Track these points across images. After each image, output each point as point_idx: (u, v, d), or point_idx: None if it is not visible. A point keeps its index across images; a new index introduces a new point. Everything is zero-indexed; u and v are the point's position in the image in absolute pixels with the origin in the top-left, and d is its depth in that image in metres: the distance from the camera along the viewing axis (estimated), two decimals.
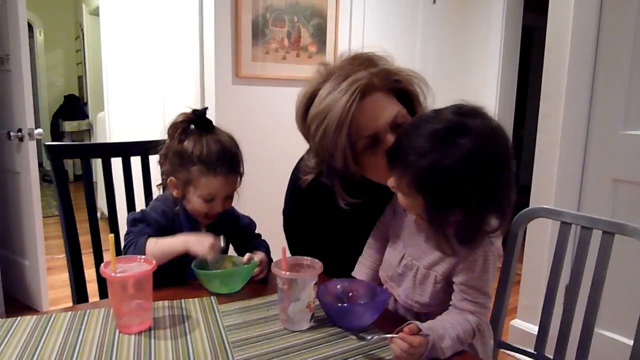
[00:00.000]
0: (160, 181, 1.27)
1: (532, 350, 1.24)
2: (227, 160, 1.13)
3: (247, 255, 1.15)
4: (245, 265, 1.13)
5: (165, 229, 1.17)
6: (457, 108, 0.88)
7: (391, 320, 1.00)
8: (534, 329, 2.20)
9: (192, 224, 1.20)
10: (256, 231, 1.33)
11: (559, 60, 2.13)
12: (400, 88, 1.02)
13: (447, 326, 0.89)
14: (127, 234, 1.15)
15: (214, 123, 1.22)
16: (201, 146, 1.13)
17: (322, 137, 0.97)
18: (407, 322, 0.87)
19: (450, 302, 0.96)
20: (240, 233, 1.29)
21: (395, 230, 1.08)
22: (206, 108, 1.18)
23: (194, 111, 1.17)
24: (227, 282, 1.11)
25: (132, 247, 1.10)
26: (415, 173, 0.85)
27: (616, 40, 2.01)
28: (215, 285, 1.11)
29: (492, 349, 1.18)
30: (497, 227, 0.90)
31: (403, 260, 1.03)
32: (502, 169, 0.86)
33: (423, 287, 1.00)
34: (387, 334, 0.87)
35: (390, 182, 0.93)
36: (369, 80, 0.97)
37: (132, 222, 1.16)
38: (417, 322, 0.86)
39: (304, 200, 1.21)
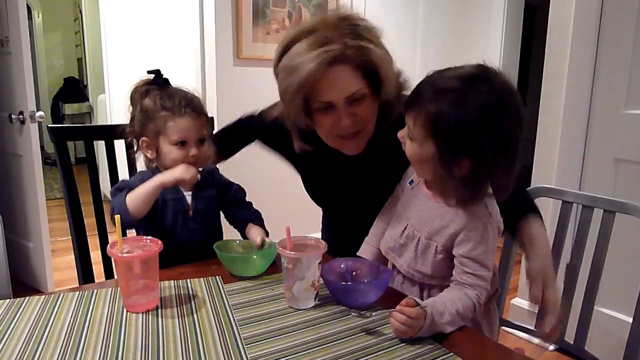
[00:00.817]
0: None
1: (532, 328, 1.26)
2: (189, 102, 1.19)
3: (259, 238, 1.17)
4: (268, 249, 1.14)
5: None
6: (480, 65, 0.91)
7: (394, 298, 1.01)
8: (535, 307, 2.23)
9: (174, 190, 1.20)
10: (256, 210, 1.32)
11: (561, 40, 2.12)
12: (370, 68, 1.04)
13: (447, 302, 0.90)
14: (111, 203, 1.16)
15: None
16: (162, 96, 1.19)
17: (284, 90, 1.05)
18: (406, 298, 0.88)
19: (452, 277, 0.97)
20: (229, 200, 1.29)
21: (401, 203, 1.10)
22: (159, 69, 1.27)
23: (148, 71, 1.25)
24: (246, 265, 1.11)
25: (115, 208, 1.12)
26: (431, 114, 0.87)
27: (619, 20, 1.99)
28: (235, 267, 1.12)
29: (498, 329, 1.19)
30: (500, 188, 0.93)
31: (405, 230, 1.04)
32: (516, 125, 0.88)
33: (424, 257, 1.01)
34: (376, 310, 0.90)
35: (400, 133, 0.97)
36: (341, 51, 1.00)
37: (114, 192, 1.18)
38: (415, 298, 0.88)
39: (271, 133, 1.28)
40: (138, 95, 1.24)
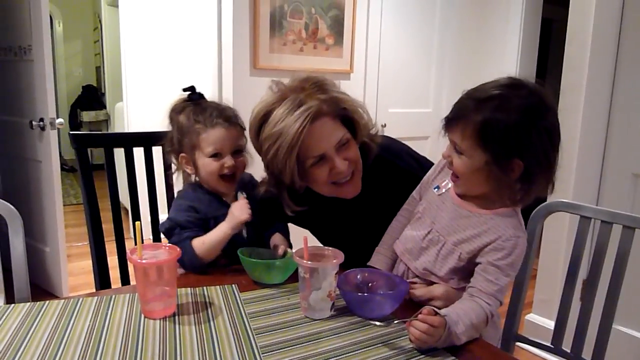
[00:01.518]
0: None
1: (549, 344, 1.25)
2: (221, 113, 1.20)
3: (282, 247, 1.18)
4: (288, 259, 1.15)
5: (199, 220, 1.19)
6: (509, 76, 0.95)
7: (410, 310, 1.01)
8: (549, 323, 2.20)
9: (218, 201, 1.23)
10: (285, 225, 1.32)
11: (579, 53, 2.11)
12: (346, 115, 1.14)
13: (461, 313, 0.90)
14: (173, 242, 1.17)
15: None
16: (195, 111, 1.21)
17: (274, 157, 1.08)
18: (424, 307, 0.88)
19: (468, 286, 0.98)
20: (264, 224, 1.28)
21: (424, 208, 1.11)
22: (193, 86, 1.31)
23: (184, 89, 1.28)
24: (267, 272, 1.12)
25: (185, 257, 1.11)
26: (479, 123, 0.90)
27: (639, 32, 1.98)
28: (256, 273, 1.13)
29: (499, 337, 1.19)
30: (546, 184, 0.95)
31: (429, 235, 1.06)
32: (555, 118, 0.93)
33: (445, 262, 1.03)
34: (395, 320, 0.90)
35: (445, 152, 0.99)
36: (319, 107, 1.08)
37: (167, 234, 1.20)
38: (433, 307, 0.88)
39: (262, 208, 1.26)
40: (174, 114, 1.27)
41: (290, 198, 1.17)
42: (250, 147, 1.23)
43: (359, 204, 1.23)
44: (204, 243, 1.15)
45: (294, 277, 1.03)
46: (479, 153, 0.92)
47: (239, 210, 1.16)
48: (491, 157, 0.92)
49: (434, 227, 1.05)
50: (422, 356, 0.85)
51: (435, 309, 0.88)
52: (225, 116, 1.20)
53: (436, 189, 1.09)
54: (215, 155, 1.18)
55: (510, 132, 0.89)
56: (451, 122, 0.96)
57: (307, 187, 1.19)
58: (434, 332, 0.84)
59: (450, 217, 1.04)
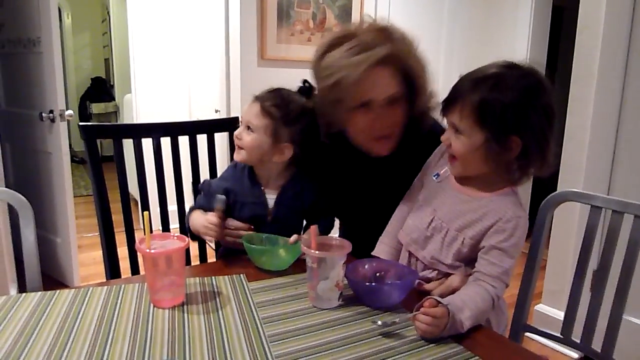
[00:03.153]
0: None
1: (558, 335, 1.24)
2: (264, 92, 1.20)
3: (294, 236, 1.17)
4: (293, 245, 1.15)
5: (232, 190, 1.24)
6: (505, 60, 0.98)
7: (418, 300, 1.01)
8: (559, 314, 2.19)
9: (251, 184, 1.24)
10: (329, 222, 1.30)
11: (591, 41, 2.08)
12: (409, 75, 1.11)
13: (465, 298, 0.91)
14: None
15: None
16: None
17: (331, 86, 1.07)
18: (425, 298, 0.89)
19: (473, 270, 0.99)
20: (305, 212, 1.27)
21: (425, 196, 1.11)
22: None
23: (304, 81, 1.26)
24: (272, 259, 1.14)
25: (186, 219, 1.28)
26: (476, 102, 0.92)
27: None
28: (263, 261, 1.14)
29: (506, 322, 1.19)
30: (546, 162, 0.97)
31: (432, 222, 1.06)
32: (551, 97, 0.95)
33: (449, 248, 1.04)
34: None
35: (444, 136, 1.00)
36: (387, 54, 1.06)
37: (198, 189, 1.31)
38: (435, 297, 0.89)
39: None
40: None
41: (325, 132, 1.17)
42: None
43: (382, 167, 1.21)
44: (191, 217, 1.26)
45: (302, 267, 1.04)
46: (477, 132, 0.94)
47: (204, 228, 1.18)
48: (490, 135, 0.93)
49: (436, 214, 1.06)
50: (430, 345, 0.85)
51: (438, 298, 0.88)
52: (265, 97, 1.19)
53: (436, 177, 1.10)
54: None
55: (507, 109, 0.91)
56: (449, 103, 0.97)
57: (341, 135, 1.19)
58: (439, 323, 0.84)
59: (450, 202, 1.05)
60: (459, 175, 1.05)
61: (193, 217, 1.25)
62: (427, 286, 1.05)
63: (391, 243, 1.17)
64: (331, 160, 1.25)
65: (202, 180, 1.34)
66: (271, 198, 1.23)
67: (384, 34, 1.09)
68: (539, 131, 0.93)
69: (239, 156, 1.22)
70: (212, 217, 1.18)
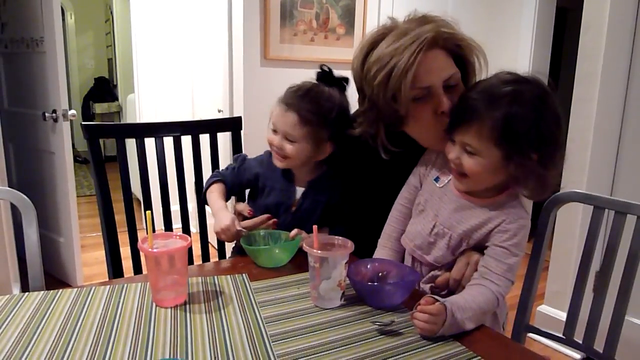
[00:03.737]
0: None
1: (561, 335, 1.24)
2: (293, 96, 1.17)
3: (295, 231, 1.18)
4: (290, 242, 1.17)
5: (262, 175, 1.28)
6: (505, 71, 0.96)
7: (419, 299, 1.01)
8: (561, 315, 2.19)
9: (285, 172, 1.26)
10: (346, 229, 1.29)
11: (595, 42, 2.07)
12: (460, 54, 1.06)
13: (468, 297, 0.91)
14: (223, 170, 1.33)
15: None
16: (291, 86, 1.21)
17: (384, 81, 1.00)
18: (424, 297, 0.90)
19: (476, 272, 0.99)
20: (328, 210, 1.27)
21: (425, 200, 1.10)
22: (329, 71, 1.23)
23: (320, 66, 1.24)
24: (270, 257, 1.16)
25: (209, 179, 1.30)
26: (498, 122, 0.89)
27: None
28: (261, 259, 1.16)
29: (505, 318, 1.20)
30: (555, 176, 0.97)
31: (434, 229, 1.05)
32: (559, 107, 0.93)
33: (455, 252, 1.04)
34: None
35: (452, 155, 0.97)
36: (435, 36, 1.00)
37: (233, 159, 1.34)
38: (433, 295, 0.89)
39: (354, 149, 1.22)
40: None
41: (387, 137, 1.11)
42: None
43: (396, 166, 1.15)
44: (210, 195, 1.26)
45: (304, 267, 1.04)
46: (495, 151, 0.92)
47: (217, 223, 1.17)
48: (509, 153, 0.91)
49: (438, 220, 1.05)
50: (432, 345, 0.84)
51: (435, 297, 0.89)
52: (293, 100, 1.17)
53: (436, 181, 1.08)
54: (272, 128, 1.21)
55: (529, 125, 0.89)
56: (462, 122, 0.94)
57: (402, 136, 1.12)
58: (436, 320, 0.85)
59: (452, 208, 1.04)
60: (467, 191, 1.03)
61: (215, 205, 1.23)
62: (439, 279, 1.05)
63: (393, 246, 1.16)
64: (361, 160, 1.22)
65: (238, 155, 1.37)
66: (299, 190, 1.26)
67: (424, 19, 1.05)
68: (552, 142, 0.92)
69: (281, 164, 1.23)
70: (231, 224, 1.16)
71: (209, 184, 1.28)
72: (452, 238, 1.03)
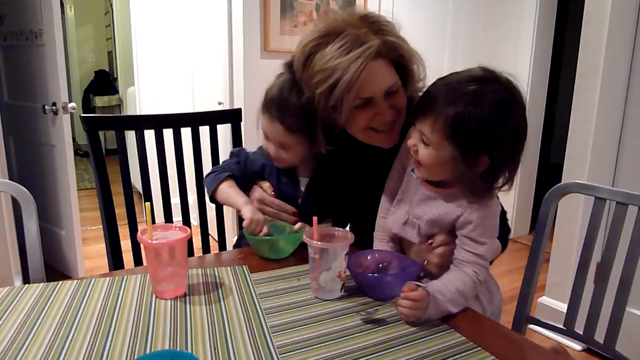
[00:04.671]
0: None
1: (561, 326, 1.24)
2: (273, 106, 1.16)
3: (299, 224, 1.19)
4: (293, 234, 1.18)
5: (268, 166, 1.27)
6: (482, 67, 0.94)
7: None
8: (562, 306, 2.19)
9: (291, 173, 1.27)
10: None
11: (597, 33, 2.06)
12: (401, 62, 1.09)
13: (446, 282, 0.94)
14: (222, 162, 1.32)
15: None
16: (271, 87, 1.19)
17: (327, 92, 1.03)
18: (406, 284, 0.91)
19: (453, 257, 1.00)
20: (330, 206, 1.28)
21: (402, 190, 1.13)
22: None
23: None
24: (273, 248, 1.16)
25: (213, 174, 1.27)
26: (451, 117, 0.88)
27: None
28: (264, 250, 1.16)
29: (500, 304, 1.20)
30: (506, 180, 0.96)
31: (407, 218, 1.07)
32: (523, 115, 0.92)
33: (427, 238, 1.06)
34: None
35: (410, 141, 0.98)
36: (379, 48, 1.03)
37: (230, 155, 1.32)
38: (414, 282, 0.91)
39: None
40: None
41: (325, 136, 1.15)
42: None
43: (391, 156, 1.18)
44: (228, 188, 1.23)
45: (304, 258, 1.03)
46: (447, 146, 0.91)
47: (249, 212, 1.15)
48: (459, 152, 0.91)
49: (409, 210, 1.07)
50: (432, 336, 0.84)
51: (418, 283, 0.91)
52: (276, 110, 1.16)
53: (412, 171, 1.08)
54: (265, 137, 1.22)
55: (481, 128, 0.87)
56: (421, 111, 0.94)
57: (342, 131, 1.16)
58: (419, 305, 0.87)
59: (419, 199, 1.05)
60: (424, 179, 1.04)
61: (239, 200, 1.21)
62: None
63: (386, 237, 1.16)
64: (345, 156, 1.24)
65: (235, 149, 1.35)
66: (303, 180, 1.27)
67: (369, 24, 1.05)
68: (507, 150, 0.91)
69: (281, 166, 1.24)
70: (261, 217, 1.16)
71: (220, 180, 1.25)
72: (420, 228, 1.04)
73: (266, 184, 1.27)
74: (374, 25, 1.06)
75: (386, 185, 1.18)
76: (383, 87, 1.06)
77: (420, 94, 1.12)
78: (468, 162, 0.91)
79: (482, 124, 0.87)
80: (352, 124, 1.11)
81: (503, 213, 1.18)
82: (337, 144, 1.20)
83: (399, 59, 1.08)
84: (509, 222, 1.25)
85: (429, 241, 1.05)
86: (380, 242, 1.16)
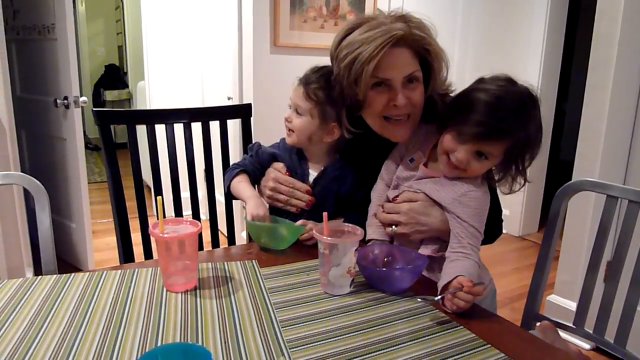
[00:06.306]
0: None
1: (571, 324, 1.23)
2: (309, 73, 1.24)
3: (301, 221, 1.20)
4: (292, 226, 1.19)
5: (279, 156, 1.31)
6: (526, 87, 1.03)
7: (426, 285, 1.01)
8: (571, 304, 2.18)
9: (300, 157, 1.30)
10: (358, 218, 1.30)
11: (610, 29, 2.04)
12: (426, 57, 1.12)
13: (472, 271, 0.98)
14: (242, 157, 1.36)
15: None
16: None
17: (351, 62, 1.07)
18: (451, 279, 0.93)
19: (449, 251, 1.03)
20: (340, 200, 1.28)
21: (395, 178, 1.17)
22: None
23: None
24: (272, 237, 1.18)
25: (229, 171, 1.32)
26: (521, 141, 1.01)
27: None
28: (262, 238, 1.19)
29: (492, 285, 1.23)
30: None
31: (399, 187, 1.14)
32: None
33: None
34: (430, 296, 0.94)
35: (464, 158, 1.02)
36: (405, 34, 1.07)
37: (246, 150, 1.37)
38: (464, 277, 0.93)
39: None
40: None
41: (348, 119, 1.20)
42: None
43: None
44: (239, 184, 1.27)
45: (314, 254, 1.04)
46: (500, 157, 1.03)
47: (253, 207, 1.19)
48: (505, 161, 1.04)
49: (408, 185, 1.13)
50: (442, 332, 0.84)
51: (467, 277, 0.93)
52: (309, 79, 1.23)
53: (411, 161, 1.15)
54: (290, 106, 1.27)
55: (533, 142, 1.03)
56: (491, 136, 0.99)
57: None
58: (474, 299, 0.91)
59: (416, 180, 1.12)
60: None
61: (245, 193, 1.25)
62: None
63: (379, 224, 1.17)
64: (368, 149, 1.26)
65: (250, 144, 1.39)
66: (313, 175, 1.28)
67: (402, 18, 1.11)
68: (537, 147, 1.05)
69: (289, 139, 1.28)
70: (264, 215, 1.19)
71: (233, 176, 1.29)
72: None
73: (280, 165, 1.30)
74: (408, 21, 1.10)
75: (380, 176, 1.22)
76: (402, 72, 1.09)
77: (445, 96, 1.19)
78: (510, 166, 1.05)
79: (535, 139, 1.03)
80: (368, 107, 1.14)
81: (499, 211, 1.20)
82: (355, 133, 1.22)
83: (424, 52, 1.11)
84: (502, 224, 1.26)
85: (396, 196, 1.12)
86: (372, 228, 1.17)
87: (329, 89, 1.19)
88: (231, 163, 1.40)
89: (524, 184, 1.08)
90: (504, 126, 0.98)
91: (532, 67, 3.28)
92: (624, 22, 1.99)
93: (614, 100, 2.05)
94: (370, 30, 1.07)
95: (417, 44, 1.10)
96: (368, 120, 1.18)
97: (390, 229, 1.11)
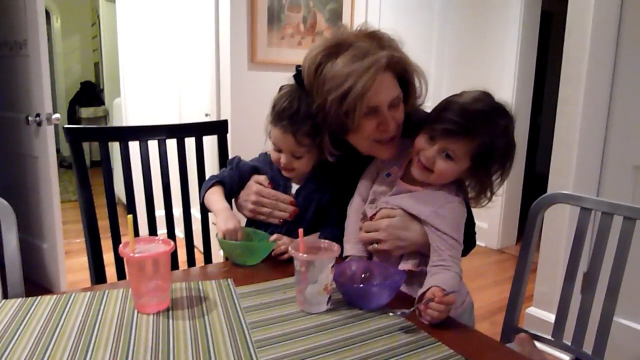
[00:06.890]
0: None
1: (550, 337, 1.23)
2: (286, 116, 1.18)
3: (275, 235, 1.20)
4: (264, 242, 1.19)
5: (261, 169, 1.30)
6: (486, 93, 1.07)
7: (405, 300, 1.00)
8: (550, 316, 2.19)
9: (283, 179, 1.28)
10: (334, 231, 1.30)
11: (579, 44, 2.09)
12: (405, 77, 1.14)
13: (452, 283, 0.98)
14: (220, 172, 1.34)
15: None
16: (279, 98, 1.21)
17: (341, 97, 1.06)
18: (426, 289, 0.94)
19: (430, 265, 1.03)
20: (321, 209, 1.28)
21: (372, 193, 1.17)
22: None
23: (296, 67, 1.23)
24: (244, 254, 1.18)
25: (204, 184, 1.31)
26: (485, 145, 1.02)
27: (639, 24, 1.96)
28: (234, 255, 1.19)
29: (469, 298, 1.22)
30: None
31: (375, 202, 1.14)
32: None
33: None
34: (404, 309, 0.93)
35: (430, 154, 1.04)
36: (388, 61, 1.07)
37: (228, 162, 1.35)
38: (438, 285, 0.95)
39: None
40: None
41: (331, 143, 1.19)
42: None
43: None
44: (212, 195, 1.26)
45: (290, 271, 1.02)
46: (467, 163, 1.04)
47: (222, 222, 1.18)
48: (473, 168, 1.05)
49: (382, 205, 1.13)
50: (419, 349, 0.83)
51: (440, 286, 0.94)
52: (289, 120, 1.18)
53: (387, 176, 1.16)
54: (276, 149, 1.24)
55: (501, 154, 1.05)
56: (458, 133, 1.01)
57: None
58: (449, 308, 0.92)
59: (393, 194, 1.12)
60: (428, 182, 1.10)
61: (216, 205, 1.24)
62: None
63: (357, 240, 1.16)
64: (348, 160, 1.25)
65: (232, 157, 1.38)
66: (295, 187, 1.28)
67: (377, 39, 1.11)
68: (510, 165, 1.08)
69: (290, 175, 1.27)
70: (235, 228, 1.17)
71: (207, 187, 1.29)
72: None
73: (262, 177, 1.29)
74: (381, 41, 1.11)
75: (357, 192, 1.22)
76: (388, 97, 1.10)
77: (419, 110, 1.21)
78: (477, 175, 1.06)
79: (507, 150, 1.05)
80: (359, 133, 1.14)
81: (472, 224, 1.21)
82: (342, 149, 1.22)
83: (403, 73, 1.13)
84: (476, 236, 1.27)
85: (375, 213, 1.12)
86: (349, 244, 1.16)
87: (314, 123, 1.16)
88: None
89: (490, 199, 1.09)
90: (470, 124, 1.01)
91: (507, 81, 3.34)
92: (592, 38, 2.05)
93: (585, 114, 2.10)
94: (355, 61, 1.06)
95: (397, 66, 1.11)
96: (354, 143, 1.18)
97: (372, 246, 1.11)
